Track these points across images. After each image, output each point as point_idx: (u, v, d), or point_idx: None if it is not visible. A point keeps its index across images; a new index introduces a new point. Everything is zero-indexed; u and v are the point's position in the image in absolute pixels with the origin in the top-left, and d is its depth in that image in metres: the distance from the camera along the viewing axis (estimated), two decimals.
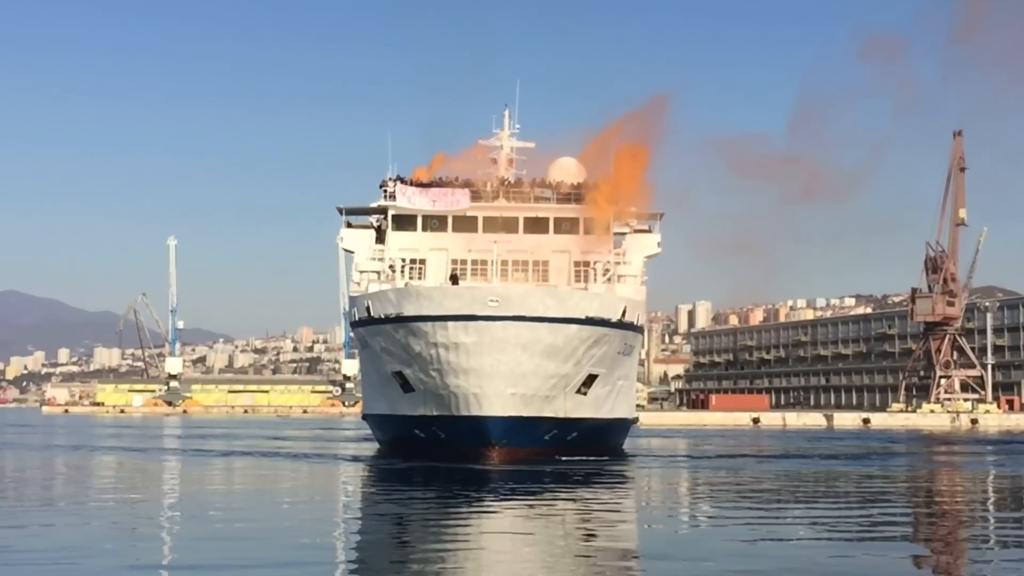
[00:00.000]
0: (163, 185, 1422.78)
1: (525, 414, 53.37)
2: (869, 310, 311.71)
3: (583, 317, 53.46)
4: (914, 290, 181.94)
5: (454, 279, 58.67)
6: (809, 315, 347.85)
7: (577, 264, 63.79)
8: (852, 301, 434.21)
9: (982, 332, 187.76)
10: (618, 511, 33.77)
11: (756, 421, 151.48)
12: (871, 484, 44.19)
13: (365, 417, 66.58)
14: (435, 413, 55.18)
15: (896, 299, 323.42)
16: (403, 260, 64.22)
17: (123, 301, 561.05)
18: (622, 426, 64.55)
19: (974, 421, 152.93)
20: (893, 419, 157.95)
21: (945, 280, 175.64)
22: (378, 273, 64.01)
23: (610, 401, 59.50)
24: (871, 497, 38.65)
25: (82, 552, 22.97)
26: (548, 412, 54.66)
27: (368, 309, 56.77)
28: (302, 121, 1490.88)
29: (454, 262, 63.78)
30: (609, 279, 62.64)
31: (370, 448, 65.70)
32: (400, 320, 53.96)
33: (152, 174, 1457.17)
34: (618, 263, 64.01)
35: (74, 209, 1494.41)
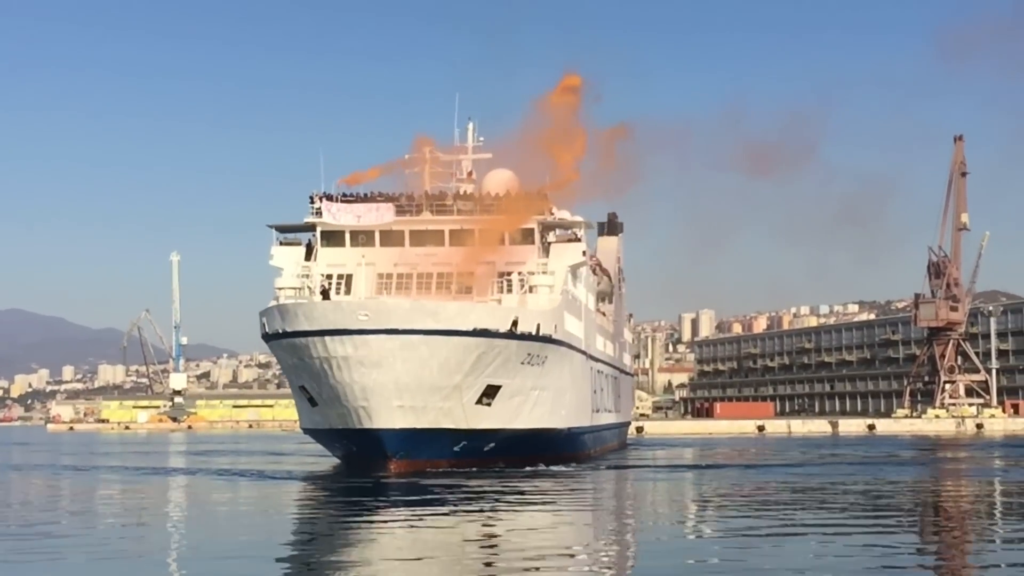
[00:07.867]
0: (165, 201, 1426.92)
1: (419, 426, 53.99)
2: (872, 316, 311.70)
3: (465, 329, 53.88)
4: (917, 295, 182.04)
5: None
6: (812, 322, 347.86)
7: (500, 275, 62.86)
8: (855, 307, 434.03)
9: (986, 337, 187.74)
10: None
11: (761, 429, 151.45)
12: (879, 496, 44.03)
13: (304, 431, 65.16)
14: (339, 427, 56.22)
15: (899, 305, 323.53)
16: (329, 276, 63.41)
17: (127, 318, 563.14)
18: (555, 436, 63.26)
19: (979, 426, 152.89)
20: (898, 425, 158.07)
21: (948, 285, 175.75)
22: (297, 290, 63.02)
23: (526, 411, 59.15)
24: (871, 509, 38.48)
25: None
26: (447, 423, 54.98)
27: (264, 325, 57.69)
28: (297, 134, 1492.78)
29: (380, 276, 63.54)
30: (527, 290, 61.77)
31: (330, 464, 63.72)
32: (285, 336, 55.16)
33: (154, 190, 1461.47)
34: (542, 272, 62.63)
35: (76, 226, 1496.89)
